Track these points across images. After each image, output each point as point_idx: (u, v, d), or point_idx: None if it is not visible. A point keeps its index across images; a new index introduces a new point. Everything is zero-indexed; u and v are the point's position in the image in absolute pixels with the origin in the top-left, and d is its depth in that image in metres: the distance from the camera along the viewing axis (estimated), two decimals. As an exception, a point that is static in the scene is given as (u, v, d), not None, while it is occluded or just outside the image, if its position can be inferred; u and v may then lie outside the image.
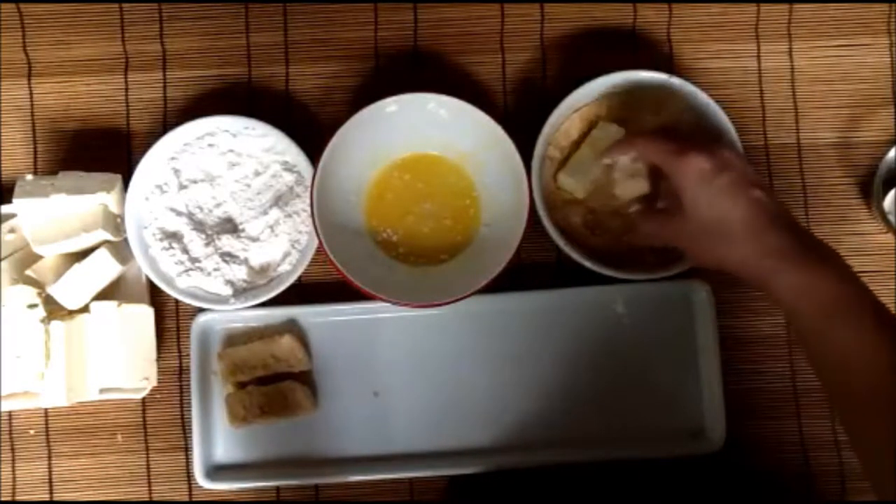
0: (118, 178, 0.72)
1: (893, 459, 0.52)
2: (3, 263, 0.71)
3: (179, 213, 0.73)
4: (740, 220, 0.60)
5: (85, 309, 0.71)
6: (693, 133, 0.71)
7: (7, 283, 0.70)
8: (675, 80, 0.71)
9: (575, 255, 0.70)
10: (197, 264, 0.72)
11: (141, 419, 0.75)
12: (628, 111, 0.73)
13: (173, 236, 0.72)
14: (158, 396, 0.75)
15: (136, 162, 0.72)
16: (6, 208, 0.72)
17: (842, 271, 0.58)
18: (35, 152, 0.77)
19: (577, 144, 0.73)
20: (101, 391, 0.70)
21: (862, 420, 0.56)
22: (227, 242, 0.72)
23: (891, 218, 0.73)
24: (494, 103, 0.77)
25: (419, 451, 0.73)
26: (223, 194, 0.73)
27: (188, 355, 0.74)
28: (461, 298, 0.68)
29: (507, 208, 0.70)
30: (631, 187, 0.70)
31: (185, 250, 0.72)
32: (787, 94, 0.77)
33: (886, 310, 0.57)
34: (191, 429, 0.73)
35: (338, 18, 0.77)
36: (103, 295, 0.72)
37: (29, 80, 0.77)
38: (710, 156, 0.61)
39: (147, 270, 0.72)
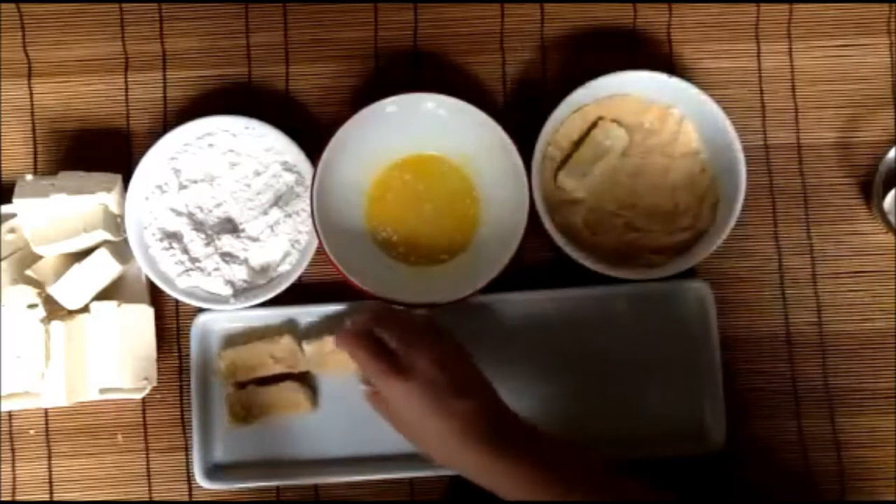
0: (118, 178, 0.72)
1: None
2: (3, 263, 0.71)
3: (179, 213, 0.73)
4: (435, 444, 0.60)
5: (85, 309, 0.71)
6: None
7: (7, 283, 0.70)
8: (675, 80, 0.71)
9: (575, 255, 0.70)
10: (197, 264, 0.72)
11: (141, 419, 0.75)
12: (628, 111, 0.73)
13: (173, 236, 0.72)
14: (158, 396, 0.75)
15: (136, 162, 0.72)
16: (6, 208, 0.72)
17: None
18: (35, 152, 0.77)
19: (577, 144, 0.73)
20: (101, 391, 0.70)
21: None
22: (227, 242, 0.72)
23: (891, 218, 0.73)
24: (494, 103, 0.77)
25: (419, 451, 0.73)
26: (223, 194, 0.73)
27: (188, 355, 0.74)
28: (461, 298, 0.68)
29: (507, 208, 0.70)
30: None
31: (185, 250, 0.72)
32: (787, 94, 0.77)
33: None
34: (191, 429, 0.73)
35: (338, 18, 0.77)
36: (103, 295, 0.72)
37: (29, 80, 0.77)
38: (400, 383, 0.60)
39: (147, 270, 0.72)
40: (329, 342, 0.72)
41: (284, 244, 0.73)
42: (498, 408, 0.61)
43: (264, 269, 0.73)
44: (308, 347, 0.72)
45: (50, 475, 0.75)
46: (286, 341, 0.72)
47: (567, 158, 0.73)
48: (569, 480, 0.57)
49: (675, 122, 0.73)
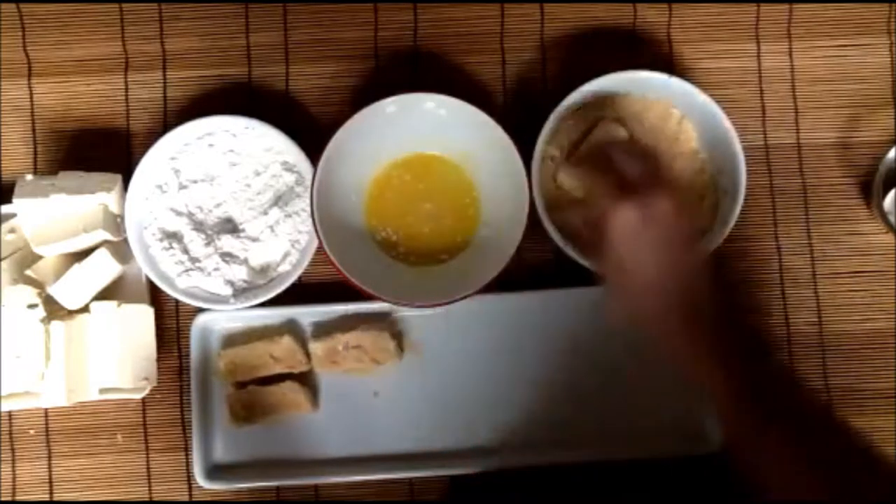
0: (118, 178, 0.72)
1: None
2: (3, 263, 0.71)
3: (179, 213, 0.73)
4: (649, 288, 0.58)
5: (85, 309, 0.71)
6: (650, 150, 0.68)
7: (7, 283, 0.70)
8: (675, 80, 0.71)
9: (575, 255, 0.70)
10: (197, 264, 0.72)
11: (141, 419, 0.75)
12: (628, 111, 0.73)
13: (173, 236, 0.72)
14: (158, 396, 0.75)
15: (136, 162, 0.72)
16: (6, 208, 0.72)
17: (752, 363, 0.57)
18: (35, 152, 0.77)
19: (577, 144, 0.73)
20: (101, 391, 0.70)
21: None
22: (227, 242, 0.72)
23: (891, 218, 0.73)
24: (494, 103, 0.77)
25: (419, 451, 0.73)
26: (223, 194, 0.73)
27: (188, 355, 0.74)
28: (461, 298, 0.68)
29: (507, 208, 0.70)
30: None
31: (185, 250, 0.72)
32: (787, 94, 0.77)
33: (798, 390, 0.56)
34: (191, 429, 0.73)
35: (338, 18, 0.77)
36: (103, 295, 0.72)
37: (29, 80, 0.77)
38: (637, 207, 0.57)
39: (147, 270, 0.72)
40: (336, 340, 0.72)
41: (284, 244, 0.73)
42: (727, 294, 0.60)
43: (264, 269, 0.73)
44: (314, 346, 0.73)
45: (50, 475, 0.75)
46: (286, 341, 0.72)
47: (567, 158, 0.73)
48: (767, 417, 0.55)
49: (675, 121, 0.73)
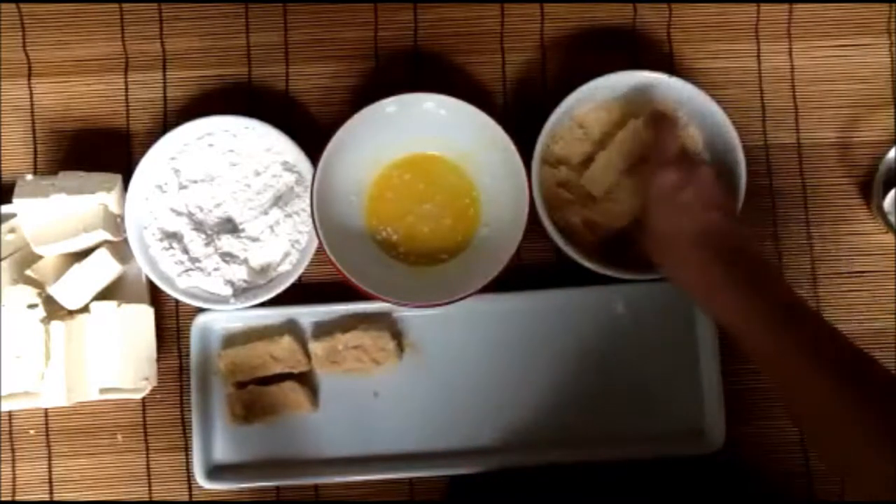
0: (118, 178, 0.72)
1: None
2: (3, 263, 0.71)
3: (179, 213, 0.73)
4: (689, 242, 0.61)
5: (85, 309, 0.71)
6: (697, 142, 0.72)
7: (7, 283, 0.70)
8: (675, 80, 0.71)
9: (575, 255, 0.70)
10: (197, 264, 0.72)
11: (141, 419, 0.75)
12: (628, 111, 0.73)
13: (173, 236, 0.72)
14: (158, 396, 0.75)
15: (136, 162, 0.72)
16: (6, 208, 0.72)
17: (787, 311, 0.57)
18: (35, 152, 0.77)
19: (580, 143, 0.73)
20: (101, 391, 0.70)
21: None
22: (227, 242, 0.72)
23: (891, 218, 0.73)
24: (494, 103, 0.77)
25: (419, 451, 0.73)
26: (223, 194, 0.73)
27: (188, 355, 0.74)
28: (461, 298, 0.68)
29: (507, 208, 0.70)
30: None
31: (185, 250, 0.72)
32: (787, 94, 0.77)
33: (839, 345, 0.56)
34: (191, 429, 0.73)
35: (338, 18, 0.78)
36: (103, 295, 0.72)
37: (29, 80, 0.77)
38: (678, 171, 0.63)
39: (147, 270, 0.72)
40: (336, 340, 0.72)
41: (284, 244, 0.73)
42: (754, 250, 0.63)
43: (264, 269, 0.73)
44: (314, 346, 0.73)
45: (50, 475, 0.75)
46: (286, 341, 0.72)
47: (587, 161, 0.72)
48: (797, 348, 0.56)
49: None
